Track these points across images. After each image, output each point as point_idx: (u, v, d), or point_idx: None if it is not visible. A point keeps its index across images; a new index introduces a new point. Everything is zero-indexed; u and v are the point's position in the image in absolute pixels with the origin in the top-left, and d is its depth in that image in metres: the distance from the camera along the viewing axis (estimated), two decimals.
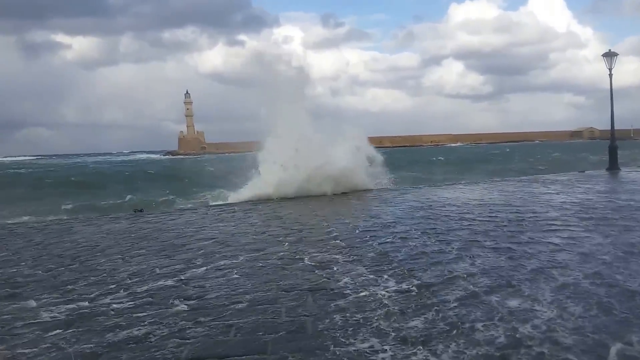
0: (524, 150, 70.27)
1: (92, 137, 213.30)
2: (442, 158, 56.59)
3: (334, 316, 4.23)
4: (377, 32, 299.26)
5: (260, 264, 6.24)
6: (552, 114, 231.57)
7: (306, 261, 6.25)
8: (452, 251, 6.43)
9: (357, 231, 8.24)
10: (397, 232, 7.92)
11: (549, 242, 6.70)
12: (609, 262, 5.57)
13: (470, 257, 6.07)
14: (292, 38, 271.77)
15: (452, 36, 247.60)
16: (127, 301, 4.94)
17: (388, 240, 7.38)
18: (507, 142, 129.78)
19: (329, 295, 4.82)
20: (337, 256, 6.44)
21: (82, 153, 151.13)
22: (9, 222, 14.09)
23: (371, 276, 5.37)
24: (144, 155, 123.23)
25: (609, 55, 20.05)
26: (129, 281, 5.69)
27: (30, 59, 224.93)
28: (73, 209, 20.38)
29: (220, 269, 6.05)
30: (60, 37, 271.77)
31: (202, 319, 4.31)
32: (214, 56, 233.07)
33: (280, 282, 5.33)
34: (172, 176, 37.82)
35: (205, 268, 6.15)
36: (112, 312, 4.62)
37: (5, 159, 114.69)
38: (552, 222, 8.21)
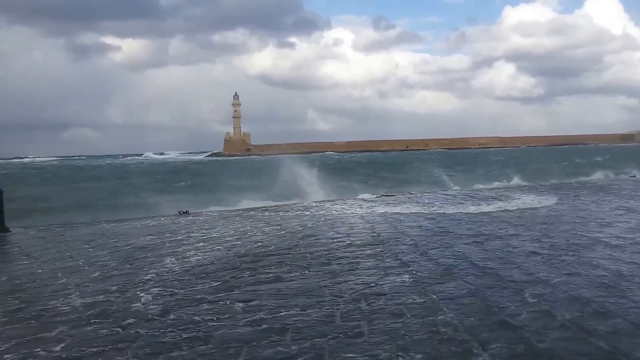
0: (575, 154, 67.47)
1: (135, 138, 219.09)
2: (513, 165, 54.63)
3: None
4: (429, 35, 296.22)
5: None
6: (604, 116, 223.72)
7: None
8: None
9: None
10: None
11: None
12: None
13: None
14: (342, 40, 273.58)
15: (504, 38, 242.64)
16: None
17: None
18: (556, 145, 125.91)
19: None
20: None
21: (125, 154, 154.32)
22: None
23: None
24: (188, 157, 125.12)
25: None
26: None
27: (79, 61, 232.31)
28: None
29: None
30: (110, 40, 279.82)
31: None
32: (263, 58, 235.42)
33: None
34: None
35: None
36: None
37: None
38: None
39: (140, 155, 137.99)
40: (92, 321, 4.35)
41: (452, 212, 10.44)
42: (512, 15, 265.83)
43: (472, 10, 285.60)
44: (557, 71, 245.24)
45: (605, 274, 5.16)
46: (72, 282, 5.82)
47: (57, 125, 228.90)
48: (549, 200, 11.80)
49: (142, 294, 5.13)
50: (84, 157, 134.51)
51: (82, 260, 7.12)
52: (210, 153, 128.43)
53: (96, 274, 6.17)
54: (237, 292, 5.04)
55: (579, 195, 12.95)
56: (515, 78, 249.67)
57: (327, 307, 4.38)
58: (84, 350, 3.70)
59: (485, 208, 10.82)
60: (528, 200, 11.99)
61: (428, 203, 12.17)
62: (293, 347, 3.56)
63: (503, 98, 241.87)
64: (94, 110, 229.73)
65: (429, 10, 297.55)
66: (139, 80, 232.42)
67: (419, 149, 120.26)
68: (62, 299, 5.15)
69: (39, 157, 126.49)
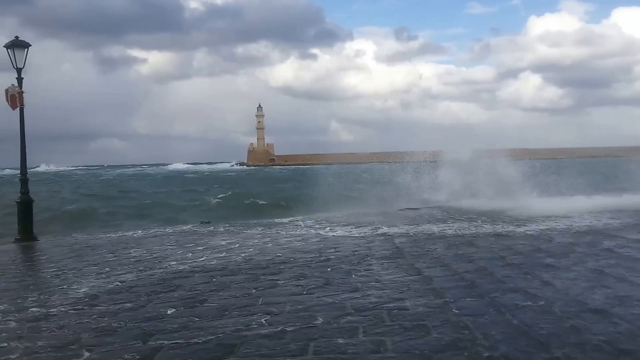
0: None
1: (161, 149, 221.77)
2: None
3: None
4: (453, 46, 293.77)
5: None
6: (637, 128, 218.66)
7: None
8: None
9: None
10: None
11: None
12: None
13: None
14: (364, 51, 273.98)
15: (530, 49, 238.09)
16: None
17: None
18: (589, 157, 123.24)
19: None
20: None
21: (151, 164, 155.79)
22: None
23: None
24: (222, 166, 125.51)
25: None
26: None
27: (107, 73, 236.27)
28: None
29: None
30: (136, 52, 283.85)
31: None
32: (286, 70, 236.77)
33: None
34: None
35: None
36: None
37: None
38: None
39: (166, 165, 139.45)
40: (115, 330, 4.37)
41: (473, 229, 10.31)
42: (538, 26, 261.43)
43: (496, 21, 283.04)
44: (585, 82, 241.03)
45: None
46: (97, 290, 5.87)
47: (84, 136, 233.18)
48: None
49: (164, 304, 5.14)
50: (98, 166, 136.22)
51: (107, 269, 7.20)
52: (233, 163, 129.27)
53: (119, 283, 6.23)
54: (259, 303, 5.01)
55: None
56: (541, 89, 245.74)
57: (349, 320, 4.32)
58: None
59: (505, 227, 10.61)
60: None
61: (449, 217, 12.04)
62: None
63: (529, 109, 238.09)
64: (121, 121, 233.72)
65: (452, 22, 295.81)
66: (164, 91, 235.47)
67: None
68: (86, 307, 5.19)
69: (52, 167, 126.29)
